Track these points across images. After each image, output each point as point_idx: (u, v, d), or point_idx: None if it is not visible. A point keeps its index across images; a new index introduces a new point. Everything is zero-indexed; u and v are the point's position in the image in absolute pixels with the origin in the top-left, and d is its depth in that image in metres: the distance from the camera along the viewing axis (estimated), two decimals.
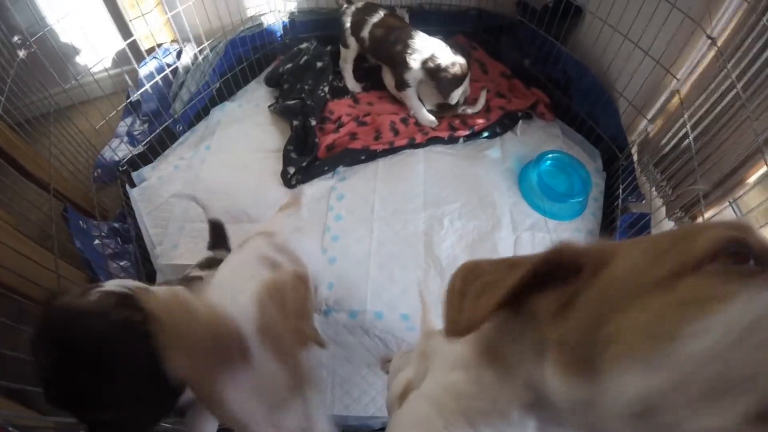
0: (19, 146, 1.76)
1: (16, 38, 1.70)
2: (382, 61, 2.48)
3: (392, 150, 2.32)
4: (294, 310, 0.82)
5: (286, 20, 2.73)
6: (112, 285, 0.80)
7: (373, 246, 2.03)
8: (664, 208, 2.00)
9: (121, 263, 1.85)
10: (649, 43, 1.94)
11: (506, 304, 0.50)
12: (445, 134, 2.38)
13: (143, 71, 2.30)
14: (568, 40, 2.46)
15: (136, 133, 2.34)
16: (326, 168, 2.22)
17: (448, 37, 2.36)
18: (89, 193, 2.02)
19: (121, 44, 2.07)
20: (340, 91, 2.61)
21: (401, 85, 2.35)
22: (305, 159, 2.20)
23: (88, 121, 2.00)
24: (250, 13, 2.68)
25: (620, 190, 2.08)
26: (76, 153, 1.96)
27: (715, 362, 0.35)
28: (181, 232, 2.04)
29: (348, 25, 2.44)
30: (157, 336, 0.67)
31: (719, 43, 1.67)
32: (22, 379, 0.98)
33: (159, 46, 2.53)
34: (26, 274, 1.29)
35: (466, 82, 2.32)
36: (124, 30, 2.38)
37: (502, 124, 2.45)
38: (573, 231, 2.12)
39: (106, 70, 2.06)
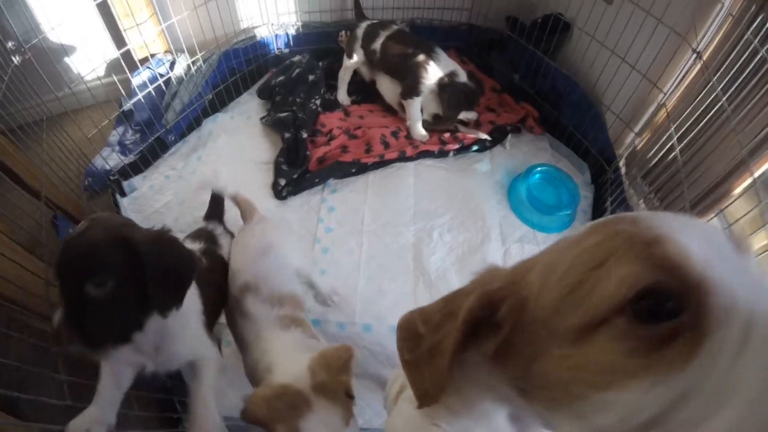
0: (11, 153, 1.75)
1: (10, 44, 1.70)
2: (389, 71, 2.50)
3: (383, 163, 2.33)
4: (336, 369, 1.11)
5: (280, 33, 2.75)
6: None
7: (363, 258, 2.03)
8: None
9: None
10: (635, 58, 1.98)
11: (452, 363, 0.54)
12: (435, 148, 2.39)
13: (136, 81, 2.30)
14: (557, 55, 2.49)
15: (127, 142, 2.34)
16: (317, 180, 2.23)
17: None
18: (80, 201, 2.01)
19: (114, 53, 2.08)
20: (331, 104, 2.63)
21: (411, 92, 2.37)
22: (296, 171, 2.21)
23: (80, 130, 2.00)
24: (243, 25, 2.71)
25: (609, 203, 2.10)
26: (67, 161, 1.95)
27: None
28: None
29: (360, 36, 2.49)
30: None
31: (704, 57, 1.70)
32: (9, 386, 0.97)
33: (152, 56, 2.54)
34: (15, 281, 1.29)
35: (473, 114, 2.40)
36: (118, 39, 2.39)
37: (492, 138, 2.47)
38: None
39: (99, 78, 2.06)
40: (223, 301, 1.47)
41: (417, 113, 2.42)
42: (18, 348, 1.57)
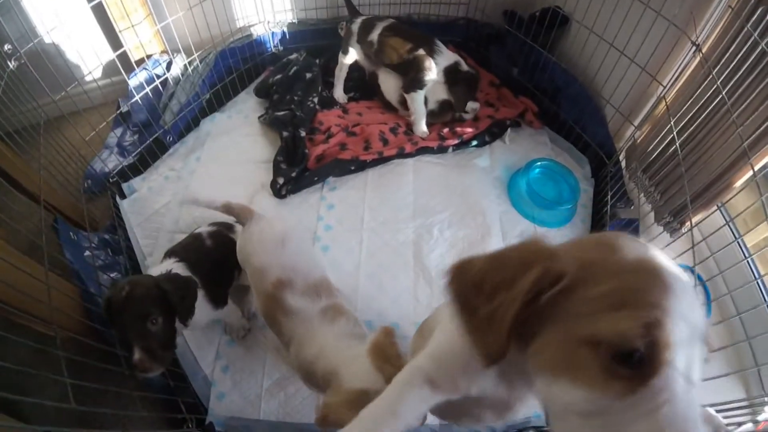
0: (9, 157, 1.75)
1: (6, 47, 1.70)
2: (388, 64, 2.48)
3: (382, 160, 2.33)
4: (394, 356, 1.18)
5: (276, 31, 2.74)
6: None
7: (363, 256, 2.03)
8: (652, 213, 2.02)
9: (112, 275, 1.83)
10: (634, 51, 1.97)
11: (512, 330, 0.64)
12: (434, 144, 2.39)
13: (133, 82, 2.29)
14: (555, 49, 2.48)
15: (126, 144, 2.33)
16: (316, 178, 2.23)
17: None
18: (79, 204, 2.00)
19: (111, 55, 2.07)
20: (329, 102, 2.63)
21: (414, 86, 2.36)
22: (295, 169, 2.21)
23: (78, 132, 1.99)
24: (239, 24, 2.69)
25: (609, 197, 2.09)
26: (65, 164, 1.95)
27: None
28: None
29: (356, 30, 2.48)
30: None
31: (704, 50, 1.69)
32: (11, 389, 0.97)
33: (149, 57, 2.53)
34: (16, 285, 1.28)
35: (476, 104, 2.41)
36: (114, 41, 2.38)
37: (491, 133, 2.47)
38: (562, 238, 2.10)
39: (95, 81, 2.05)
40: (231, 275, 1.73)
41: (421, 107, 2.41)
42: (18, 351, 1.57)
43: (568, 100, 2.42)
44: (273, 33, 2.75)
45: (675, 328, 0.55)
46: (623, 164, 2.20)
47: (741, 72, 1.54)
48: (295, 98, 2.48)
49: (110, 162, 2.20)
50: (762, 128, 1.47)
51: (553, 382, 0.62)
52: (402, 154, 2.35)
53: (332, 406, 1.09)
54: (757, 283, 1.65)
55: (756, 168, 1.36)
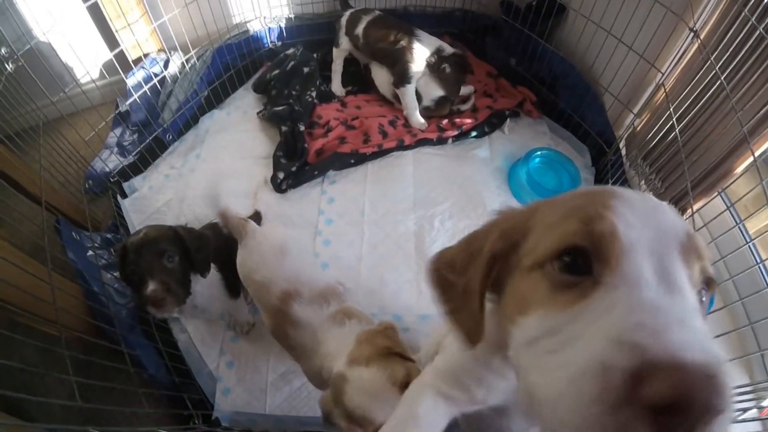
0: (9, 160, 1.76)
1: (2, 51, 1.70)
2: (377, 58, 2.49)
3: (381, 152, 2.33)
4: (379, 335, 1.18)
5: (273, 26, 2.74)
6: None
7: (364, 248, 2.04)
8: None
9: (115, 274, 1.84)
10: (632, 38, 1.96)
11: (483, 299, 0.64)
12: (433, 135, 2.39)
13: (131, 81, 2.29)
14: (552, 38, 2.47)
15: (125, 143, 2.33)
16: (316, 172, 2.23)
17: None
18: (81, 204, 2.01)
19: (108, 55, 2.07)
20: (327, 96, 2.63)
21: (402, 81, 2.36)
22: (295, 164, 2.21)
23: (78, 133, 2.00)
24: (235, 20, 2.69)
25: (610, 185, 2.09)
26: (66, 165, 1.95)
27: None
28: None
29: (344, 23, 2.48)
30: None
31: (702, 36, 1.69)
32: (16, 389, 0.98)
33: (146, 55, 2.53)
34: (19, 286, 1.29)
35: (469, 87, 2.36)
36: (111, 40, 2.38)
37: (490, 123, 2.47)
38: None
39: (93, 81, 2.05)
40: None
41: (413, 101, 2.41)
42: (23, 352, 1.58)
43: (567, 89, 2.42)
44: (270, 28, 2.74)
45: (622, 223, 0.50)
46: (623, 152, 2.20)
47: (739, 57, 1.53)
48: (294, 93, 2.48)
49: (110, 162, 2.21)
50: (761, 113, 1.46)
51: (515, 328, 0.57)
52: (401, 147, 2.35)
53: (321, 399, 1.11)
54: (759, 268, 1.65)
55: (756, 153, 1.36)
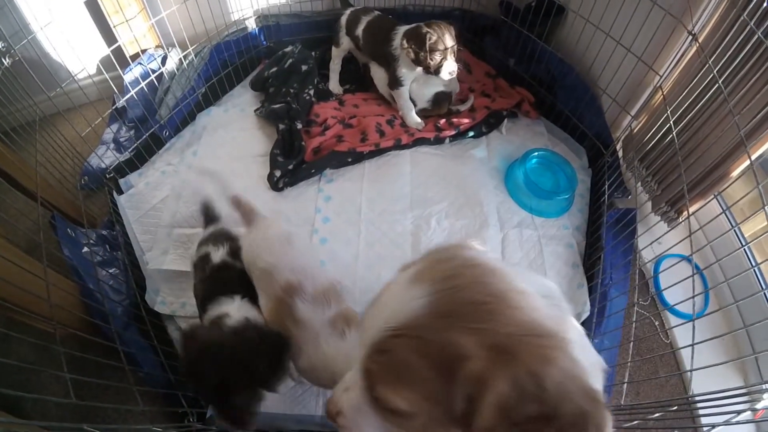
0: (5, 155, 1.75)
1: (0, 45, 1.69)
2: (375, 59, 2.49)
3: (378, 151, 2.33)
4: None
5: (271, 24, 2.73)
6: None
7: (361, 247, 2.04)
8: (650, 203, 2.02)
9: (110, 270, 1.83)
10: (631, 41, 1.97)
11: None
12: (430, 135, 2.39)
13: (128, 77, 2.28)
14: (551, 39, 2.47)
15: (122, 139, 2.33)
16: (313, 171, 2.23)
17: None
18: (76, 200, 2.00)
19: (105, 50, 2.06)
20: (325, 94, 2.62)
21: (395, 83, 2.36)
22: (292, 162, 2.21)
23: (74, 129, 1.99)
24: (234, 17, 2.68)
25: (606, 186, 2.10)
26: (62, 161, 1.95)
27: None
28: (170, 238, 2.03)
29: (344, 23, 2.47)
30: None
31: (700, 39, 1.69)
32: (12, 387, 0.98)
33: (143, 52, 2.52)
34: (15, 283, 1.29)
35: (452, 58, 2.23)
36: (109, 36, 2.37)
37: (488, 124, 2.47)
38: (560, 228, 2.14)
39: (90, 77, 2.04)
40: None
41: (407, 102, 2.41)
42: (18, 349, 1.58)
43: (565, 90, 2.42)
44: (268, 26, 2.73)
45: None
46: (620, 154, 2.20)
47: (737, 61, 1.54)
48: (291, 91, 2.47)
49: (107, 158, 2.20)
50: (759, 117, 1.47)
51: None
52: (399, 146, 2.35)
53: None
54: (754, 271, 1.66)
55: (753, 157, 1.36)
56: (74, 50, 1.90)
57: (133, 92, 2.20)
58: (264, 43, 2.76)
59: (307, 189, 2.22)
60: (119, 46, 2.10)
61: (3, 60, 1.68)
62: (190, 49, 2.38)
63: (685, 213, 1.69)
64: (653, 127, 1.94)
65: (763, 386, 1.17)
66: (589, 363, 0.57)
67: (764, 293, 1.70)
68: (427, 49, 2.13)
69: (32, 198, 1.73)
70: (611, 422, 0.53)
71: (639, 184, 2.10)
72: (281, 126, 2.33)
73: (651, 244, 1.70)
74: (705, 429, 1.09)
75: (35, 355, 1.53)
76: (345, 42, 2.53)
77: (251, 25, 2.68)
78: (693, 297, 1.37)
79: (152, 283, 1.92)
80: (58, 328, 1.26)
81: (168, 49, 2.44)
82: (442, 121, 2.45)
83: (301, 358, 1.36)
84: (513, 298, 0.57)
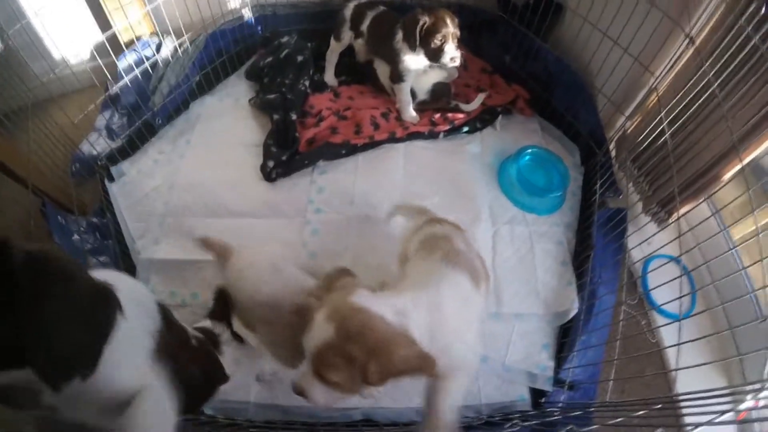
0: None
1: None
2: (379, 55, 2.48)
3: (372, 144, 2.33)
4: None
5: (268, 13, 2.71)
6: None
7: (352, 239, 2.04)
8: (640, 204, 2.03)
9: (101, 258, 1.83)
10: (628, 41, 1.97)
11: None
12: (425, 129, 2.39)
13: (122, 64, 2.26)
14: (548, 37, 2.47)
15: (114, 126, 2.31)
16: (306, 162, 2.22)
17: None
18: (67, 188, 1.99)
19: (99, 37, 2.04)
20: (320, 85, 2.61)
21: (397, 77, 2.35)
22: (285, 153, 2.20)
23: (66, 115, 1.97)
24: (230, 5, 2.66)
25: (598, 185, 2.10)
26: (54, 147, 1.93)
27: None
28: (162, 227, 2.03)
29: (348, 18, 2.46)
30: None
31: (697, 43, 1.70)
32: None
33: (138, 39, 2.50)
34: None
35: (452, 42, 2.21)
36: (103, 22, 2.35)
37: (482, 119, 2.47)
38: (551, 225, 2.14)
39: (84, 63, 2.02)
40: None
41: (407, 96, 2.41)
42: None
43: (561, 88, 2.42)
44: (264, 15, 2.71)
45: None
46: (613, 153, 2.21)
47: (733, 66, 1.54)
48: (286, 81, 2.46)
49: (98, 145, 2.17)
50: (752, 122, 1.48)
51: None
52: (393, 139, 2.35)
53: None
54: (742, 274, 1.67)
55: (745, 161, 1.37)
56: (68, 36, 1.88)
57: (126, 79, 2.19)
58: (260, 32, 2.74)
59: (299, 180, 2.22)
60: (114, 32, 2.08)
61: None
62: (186, 36, 2.36)
63: (676, 214, 1.70)
64: (647, 128, 1.94)
65: (747, 387, 1.18)
66: (429, 343, 1.09)
67: (751, 296, 1.72)
68: (423, 32, 2.14)
69: (23, 184, 1.72)
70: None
71: (631, 184, 2.11)
72: (275, 116, 2.32)
73: (640, 244, 1.71)
74: (689, 428, 1.10)
75: None
76: (347, 37, 2.51)
77: (247, 14, 2.66)
78: (680, 297, 1.38)
79: (143, 271, 1.92)
80: None
81: (163, 36, 2.41)
82: (437, 115, 2.45)
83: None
84: (378, 326, 1.04)
